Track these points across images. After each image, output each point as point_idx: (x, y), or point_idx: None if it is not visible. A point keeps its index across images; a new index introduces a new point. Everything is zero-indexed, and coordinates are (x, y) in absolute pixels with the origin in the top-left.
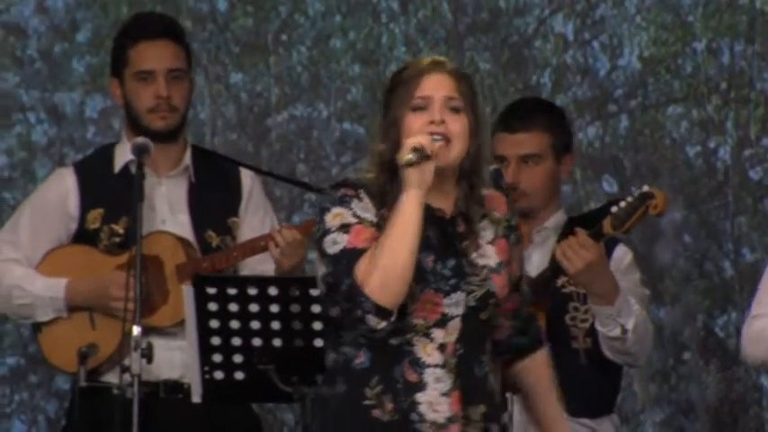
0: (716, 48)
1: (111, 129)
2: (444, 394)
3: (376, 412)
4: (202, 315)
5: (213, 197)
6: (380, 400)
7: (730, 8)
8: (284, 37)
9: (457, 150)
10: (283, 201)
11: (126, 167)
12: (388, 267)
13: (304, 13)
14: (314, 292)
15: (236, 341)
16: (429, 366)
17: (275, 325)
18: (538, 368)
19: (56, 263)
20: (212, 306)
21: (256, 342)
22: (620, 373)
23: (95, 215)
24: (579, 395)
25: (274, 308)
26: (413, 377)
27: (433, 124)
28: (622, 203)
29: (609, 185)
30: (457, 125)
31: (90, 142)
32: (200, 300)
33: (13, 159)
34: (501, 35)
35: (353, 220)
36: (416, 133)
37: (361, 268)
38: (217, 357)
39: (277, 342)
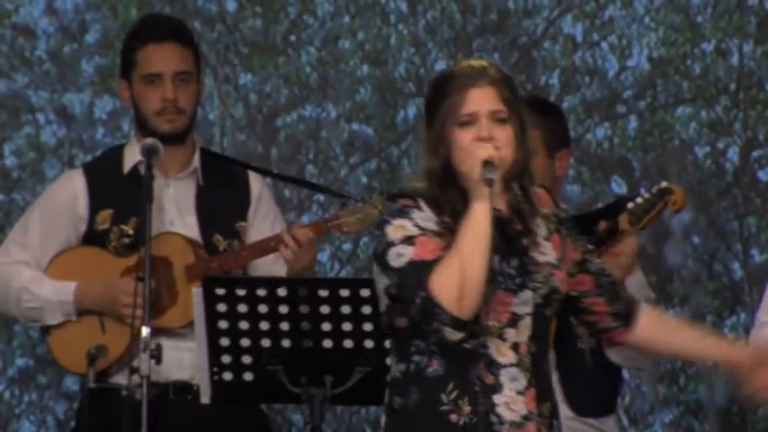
0: (725, 49)
1: (119, 130)
2: (520, 393)
3: (453, 417)
4: (211, 316)
5: (221, 201)
6: (457, 404)
7: (739, 9)
8: (293, 38)
9: (508, 159)
10: (292, 201)
11: (135, 169)
12: (465, 280)
13: (313, 14)
14: (322, 293)
15: (245, 342)
16: (504, 366)
17: (284, 326)
18: (654, 318)
19: (65, 264)
20: (221, 307)
21: (265, 343)
22: (621, 372)
23: (105, 216)
24: (584, 394)
25: (283, 309)
26: (489, 379)
27: (482, 140)
28: (639, 199)
29: (618, 186)
30: (504, 136)
31: (99, 143)
32: (209, 301)
33: (22, 160)
34: (510, 36)
35: (417, 232)
36: (466, 149)
37: (435, 281)
38: (226, 358)
39: (286, 343)
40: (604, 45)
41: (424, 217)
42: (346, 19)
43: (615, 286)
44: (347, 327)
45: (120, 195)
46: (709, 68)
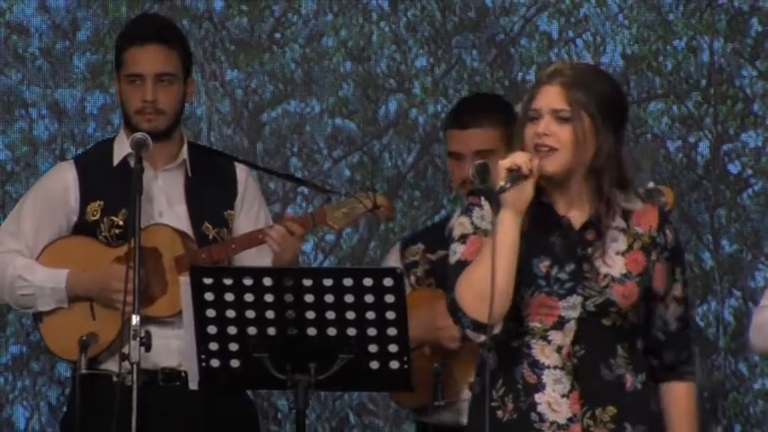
0: (696, 46)
1: (110, 124)
2: (564, 395)
3: (499, 413)
4: (199, 304)
5: (209, 191)
6: (503, 401)
7: (710, 7)
8: (278, 35)
9: (564, 159)
10: (277, 193)
11: (125, 161)
12: (482, 286)
13: (297, 12)
14: (307, 283)
15: (232, 330)
16: (548, 368)
17: (269, 314)
18: (673, 398)
19: (57, 253)
20: (209, 296)
21: (251, 331)
22: None
23: (95, 207)
24: None
25: (269, 297)
26: (532, 378)
27: (538, 136)
28: None
29: None
30: (563, 135)
31: (90, 137)
32: (197, 290)
33: (15, 154)
34: (488, 34)
35: (470, 231)
36: (528, 143)
37: (459, 283)
38: (213, 346)
39: (271, 330)
40: (579, 42)
41: (482, 215)
42: (329, 17)
43: (661, 344)
44: (330, 315)
45: (109, 187)
46: (681, 65)
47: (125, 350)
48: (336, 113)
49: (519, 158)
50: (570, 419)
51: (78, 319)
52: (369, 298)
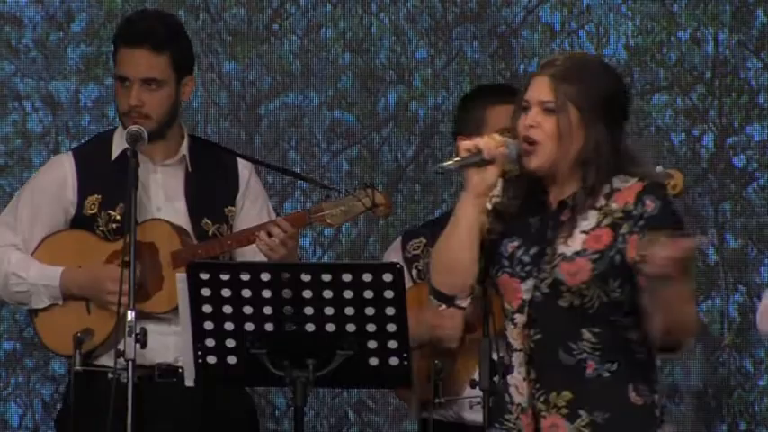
0: (700, 37)
1: (105, 117)
2: (524, 378)
3: (506, 396)
4: (196, 300)
5: (210, 186)
6: (501, 384)
7: None
8: (276, 26)
9: (546, 153)
10: (275, 187)
11: (123, 154)
12: (440, 259)
13: (295, 3)
14: (305, 278)
15: (229, 326)
16: (516, 350)
17: (267, 310)
18: None
19: (53, 248)
20: (205, 291)
21: (248, 326)
22: None
23: (93, 201)
24: None
25: (266, 293)
26: (507, 360)
27: (525, 128)
28: None
29: None
30: (548, 126)
31: (85, 130)
32: (194, 285)
33: (9, 147)
34: (489, 25)
35: None
36: (519, 133)
37: (432, 255)
38: (210, 342)
39: (269, 326)
40: (582, 33)
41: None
42: (328, 8)
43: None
44: (329, 311)
45: (107, 181)
46: (685, 57)
47: (120, 347)
48: (335, 106)
49: (482, 142)
50: (528, 402)
51: (73, 314)
52: (368, 293)
